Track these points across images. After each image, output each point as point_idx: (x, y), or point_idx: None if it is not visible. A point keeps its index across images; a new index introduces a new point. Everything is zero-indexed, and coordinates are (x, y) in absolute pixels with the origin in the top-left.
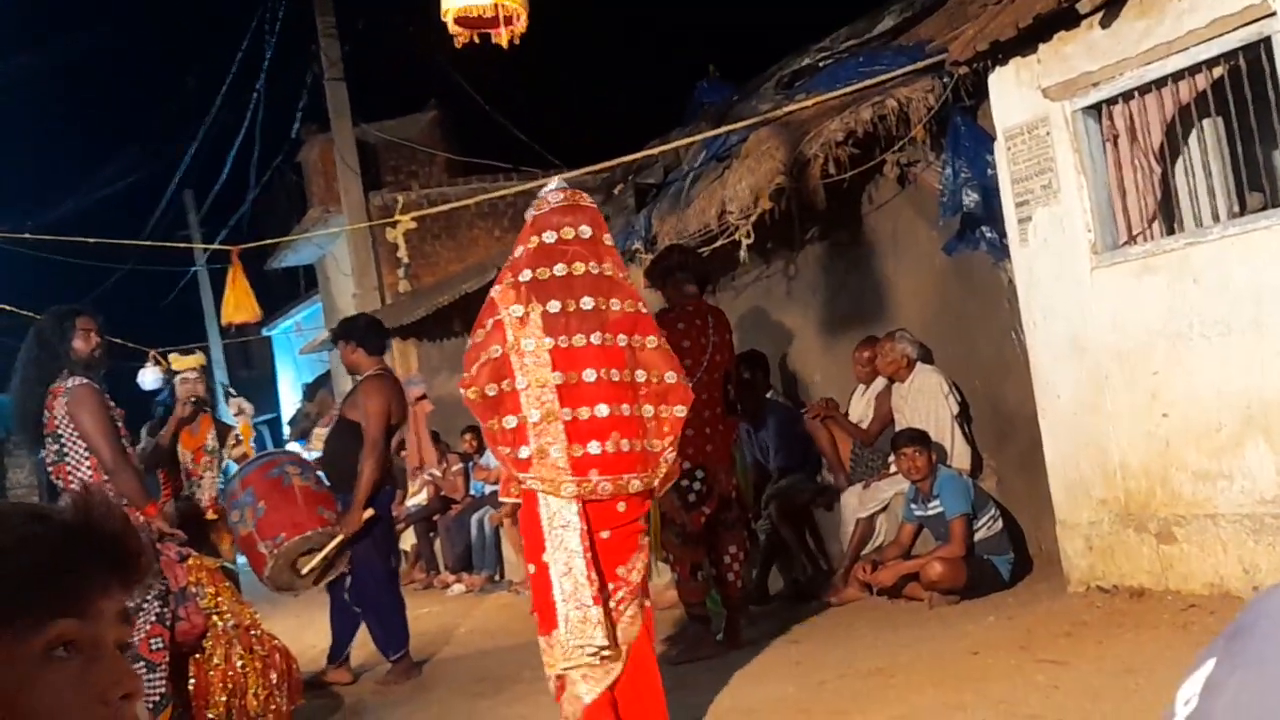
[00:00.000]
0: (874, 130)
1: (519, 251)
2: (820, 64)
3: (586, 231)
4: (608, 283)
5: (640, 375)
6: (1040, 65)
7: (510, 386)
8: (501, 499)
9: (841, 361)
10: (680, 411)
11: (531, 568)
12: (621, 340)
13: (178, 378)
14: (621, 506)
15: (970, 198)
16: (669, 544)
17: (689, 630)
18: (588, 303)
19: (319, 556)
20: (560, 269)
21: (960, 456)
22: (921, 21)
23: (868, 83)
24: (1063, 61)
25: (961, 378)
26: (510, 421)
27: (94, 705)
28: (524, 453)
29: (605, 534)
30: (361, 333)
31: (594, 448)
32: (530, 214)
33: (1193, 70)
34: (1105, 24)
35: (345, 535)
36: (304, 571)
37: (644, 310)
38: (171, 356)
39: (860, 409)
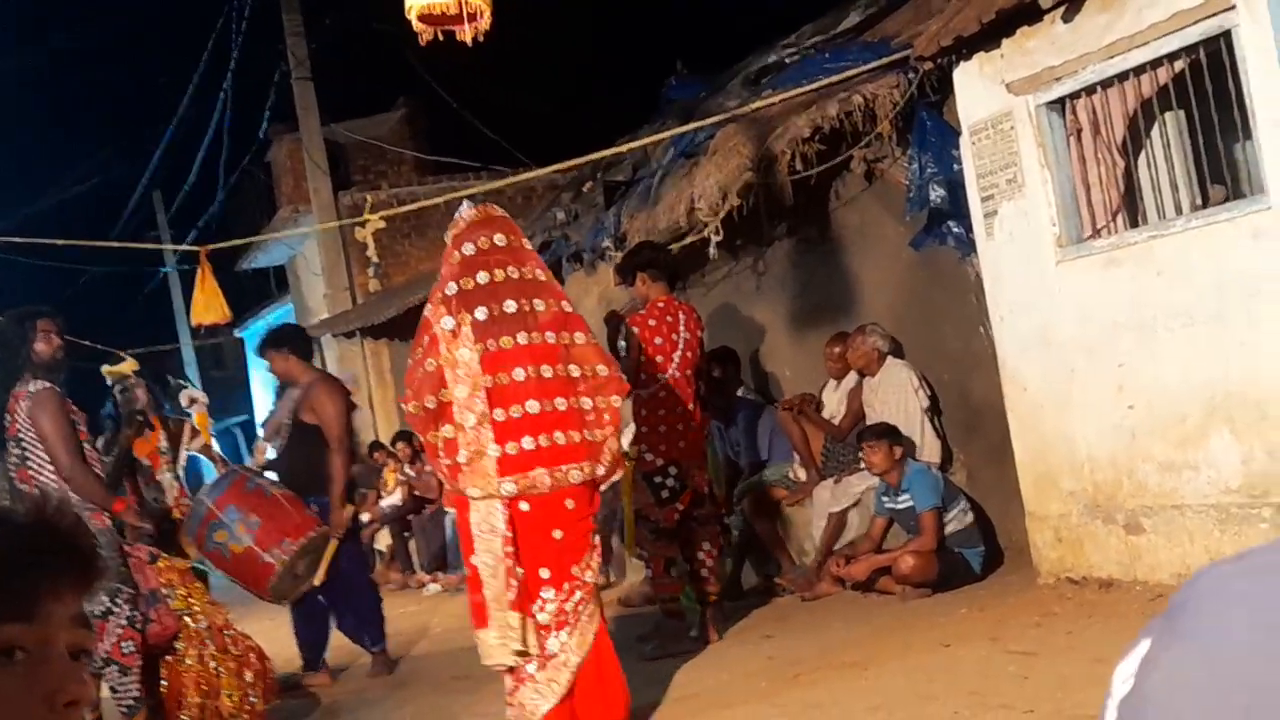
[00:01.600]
0: (840, 126)
1: (444, 269)
2: (787, 60)
3: (501, 240)
4: (531, 285)
5: (574, 370)
6: (1004, 60)
7: (447, 397)
8: (445, 508)
9: (812, 356)
10: (617, 402)
11: (467, 570)
12: (550, 337)
13: (117, 388)
14: (570, 504)
15: (936, 193)
16: (643, 540)
17: (664, 626)
18: (510, 306)
19: (326, 556)
20: (483, 277)
21: (930, 450)
22: (887, 17)
23: (834, 79)
24: (1026, 56)
25: (930, 371)
26: (448, 431)
27: (39, 710)
28: (461, 457)
29: (558, 534)
30: (291, 341)
31: (528, 443)
32: (449, 234)
33: (1154, 64)
34: (1067, 18)
35: (336, 535)
36: (302, 574)
37: (569, 309)
38: (104, 368)
39: (832, 404)
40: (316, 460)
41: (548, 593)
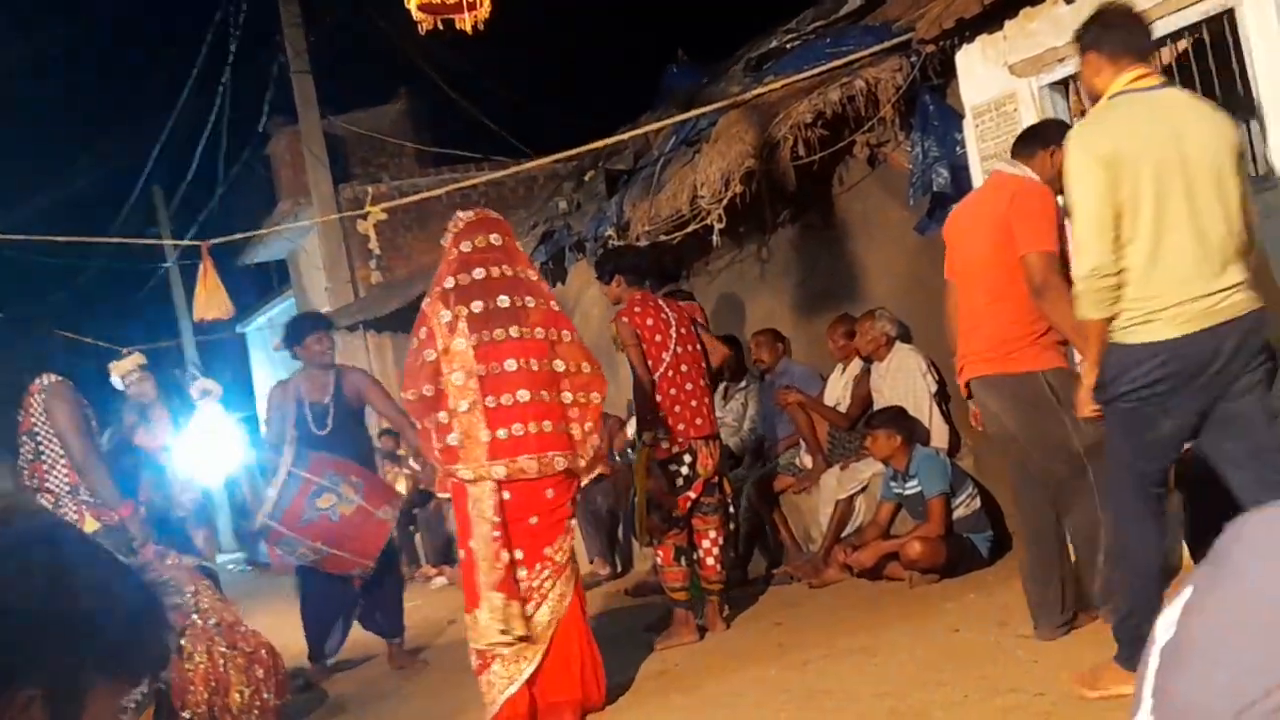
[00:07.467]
0: (843, 111)
1: (442, 265)
2: (788, 45)
3: (497, 239)
4: (523, 283)
5: (559, 365)
6: (1006, 42)
7: (444, 385)
8: (439, 494)
9: (816, 343)
10: (596, 399)
11: (462, 553)
12: (539, 333)
13: (125, 381)
14: (550, 493)
15: (940, 176)
16: (654, 528)
17: (671, 614)
18: (504, 300)
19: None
20: (479, 273)
21: (939, 435)
22: (888, 0)
23: (836, 63)
24: (1029, 38)
25: (937, 357)
26: (443, 417)
27: None
28: (452, 439)
29: (534, 519)
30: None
31: (517, 429)
32: (447, 236)
33: (1157, 44)
34: None
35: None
36: None
37: (557, 308)
38: (110, 365)
39: (837, 391)
40: (359, 441)
41: (520, 572)
